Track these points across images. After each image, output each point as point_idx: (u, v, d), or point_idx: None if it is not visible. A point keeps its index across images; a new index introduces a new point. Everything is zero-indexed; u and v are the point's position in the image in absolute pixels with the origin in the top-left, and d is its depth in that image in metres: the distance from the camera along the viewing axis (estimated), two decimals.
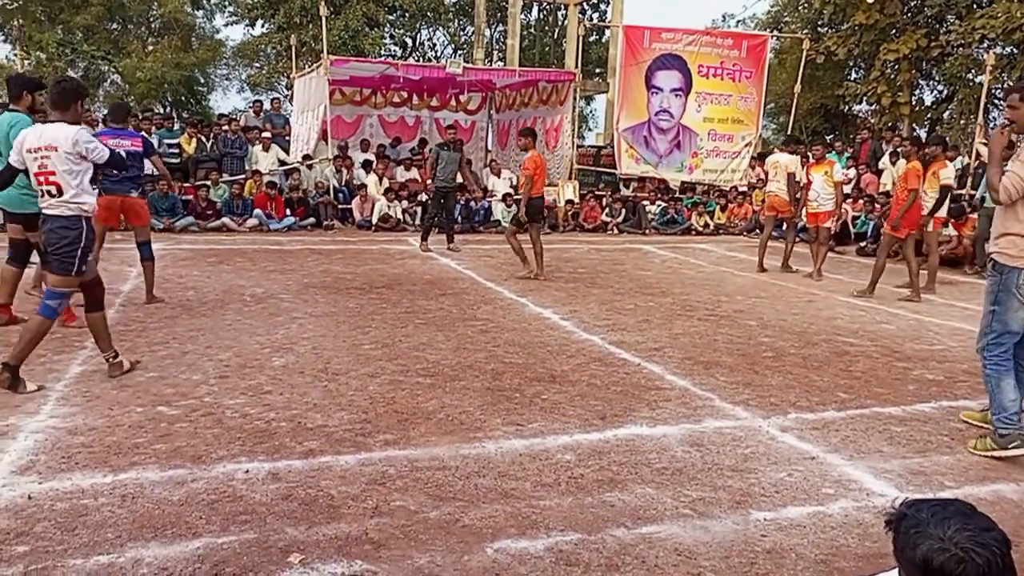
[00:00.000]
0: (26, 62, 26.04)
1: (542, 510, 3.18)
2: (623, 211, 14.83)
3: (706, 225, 14.90)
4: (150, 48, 29.27)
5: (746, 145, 16.09)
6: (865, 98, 20.97)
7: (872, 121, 21.85)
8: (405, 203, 13.72)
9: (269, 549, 2.80)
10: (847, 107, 23.55)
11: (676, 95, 15.64)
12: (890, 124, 20.08)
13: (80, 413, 4.08)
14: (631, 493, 3.38)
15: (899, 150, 14.60)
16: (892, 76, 19.73)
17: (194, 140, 13.68)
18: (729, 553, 2.91)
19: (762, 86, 16.15)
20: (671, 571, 2.77)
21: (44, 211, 4.54)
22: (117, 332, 5.77)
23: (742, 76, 15.87)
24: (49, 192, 4.46)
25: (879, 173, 14.44)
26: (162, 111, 26.79)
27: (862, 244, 12.93)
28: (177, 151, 13.43)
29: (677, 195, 15.69)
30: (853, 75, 22.69)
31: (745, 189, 15.73)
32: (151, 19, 30.62)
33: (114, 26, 29.76)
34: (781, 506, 3.32)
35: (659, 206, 15.05)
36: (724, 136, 15.97)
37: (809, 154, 10.82)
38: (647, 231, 14.40)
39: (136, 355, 5.14)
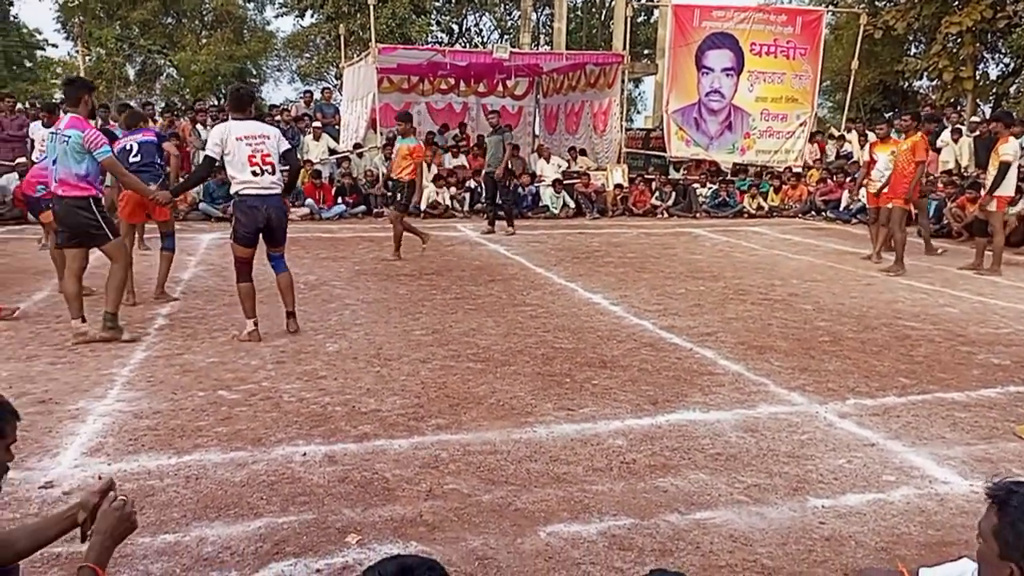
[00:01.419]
0: (87, 58, 26.90)
1: (594, 495, 3.18)
2: (673, 194, 14.63)
3: (759, 208, 14.60)
4: (203, 41, 29.88)
5: (801, 124, 15.68)
6: (926, 73, 20.22)
7: (933, 97, 21.07)
8: (453, 190, 13.78)
9: (327, 529, 2.87)
10: (907, 83, 22.74)
11: (727, 75, 15.31)
12: (952, 100, 19.34)
13: (145, 397, 4.22)
14: (684, 479, 3.35)
15: (960, 127, 14.07)
16: (954, 50, 18.97)
17: None
18: (786, 540, 2.87)
19: (817, 63, 15.70)
20: (726, 557, 2.74)
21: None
22: (179, 319, 5.97)
23: (796, 53, 15.44)
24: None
25: (939, 151, 13.93)
26: (216, 103, 27.35)
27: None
28: None
29: (729, 177, 15.40)
30: (913, 50, 21.90)
31: (800, 170, 15.35)
32: (204, 13, 31.24)
33: (169, 20, 30.44)
34: (840, 493, 3.26)
35: (710, 189, 14.80)
36: (778, 116, 15.58)
37: (870, 132, 10.49)
38: (698, 214, 14.19)
39: (197, 340, 5.29)
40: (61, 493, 3.10)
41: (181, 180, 7.89)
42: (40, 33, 30.86)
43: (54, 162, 5.18)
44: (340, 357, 5.04)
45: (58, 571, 2.56)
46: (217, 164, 5.36)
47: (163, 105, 17.34)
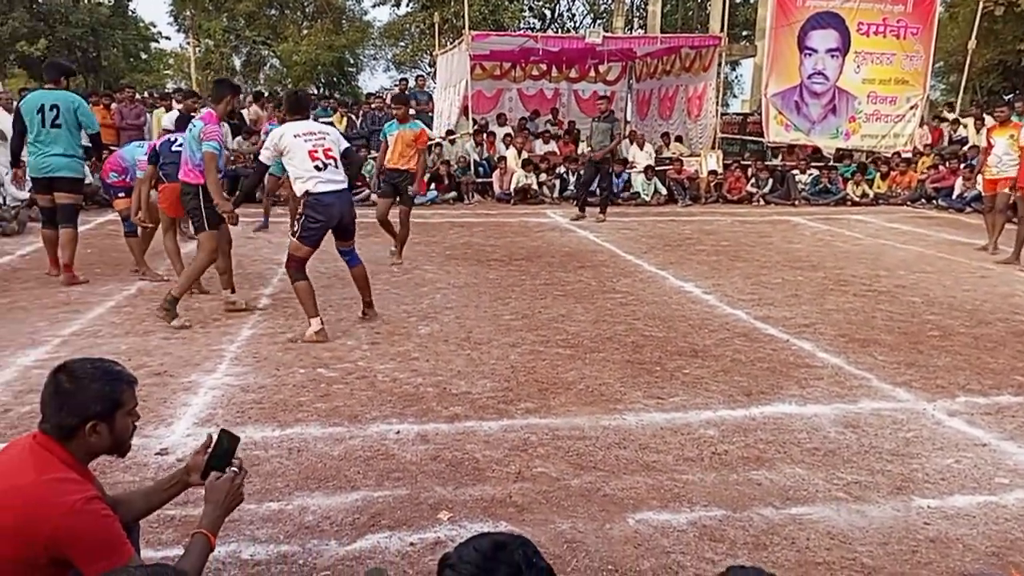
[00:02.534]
0: (196, 49, 28.27)
1: (685, 484, 3.14)
2: (770, 181, 14.15)
3: (864, 195, 13.94)
4: (304, 32, 30.90)
5: (911, 108, 14.82)
6: None
7: None
8: (544, 175, 13.78)
9: (420, 505, 2.95)
10: None
11: (832, 56, 14.63)
12: None
13: (251, 372, 4.44)
14: (779, 472, 3.27)
15: None
16: None
17: (345, 119, 14.36)
18: (887, 539, 2.76)
19: (930, 43, 14.78)
20: (823, 554, 2.66)
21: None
22: (280, 300, 6.23)
23: (907, 33, 14.59)
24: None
25: None
26: (316, 91, 28.24)
27: None
28: None
29: (831, 163, 14.76)
30: None
31: (909, 156, 14.54)
32: (305, 4, 32.28)
33: (272, 12, 31.61)
34: (947, 494, 3.10)
35: (810, 175, 14.23)
36: (886, 98, 14.78)
37: (988, 116, 9.82)
38: (796, 202, 13.67)
39: (297, 320, 5.51)
40: (175, 460, 3.31)
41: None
42: (155, 26, 32.65)
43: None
44: (432, 339, 5.15)
45: (172, 532, 2.74)
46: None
47: (267, 94, 18.03)
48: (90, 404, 1.86)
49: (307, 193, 5.05)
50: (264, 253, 8.24)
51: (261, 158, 5.29)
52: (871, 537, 2.77)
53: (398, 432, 3.62)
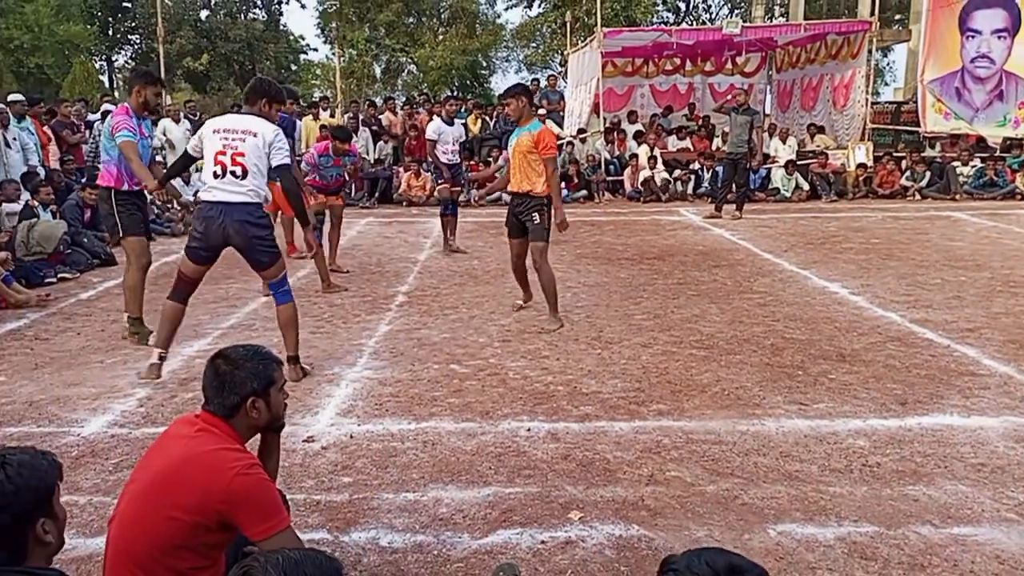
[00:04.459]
0: (341, 59, 29.77)
1: (831, 496, 2.95)
2: (927, 174, 13.11)
3: None
4: (440, 37, 31.82)
5: None
6: None
7: None
8: (677, 172, 13.46)
9: (551, 504, 2.94)
10: None
11: (999, 37, 13.34)
12: None
13: (388, 367, 4.60)
14: (939, 489, 3.00)
15: None
16: None
17: (479, 121, 14.65)
18: None
19: None
20: None
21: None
22: (416, 297, 6.42)
23: None
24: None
25: None
26: (450, 94, 29.01)
27: None
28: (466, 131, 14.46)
29: (998, 153, 13.48)
30: None
31: None
32: (441, 10, 33.23)
33: (410, 20, 32.77)
34: None
35: (973, 167, 13.05)
36: None
37: None
38: (957, 196, 12.59)
39: (432, 317, 5.65)
40: (320, 447, 3.48)
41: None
42: (303, 39, 34.75)
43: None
44: (562, 338, 5.14)
45: (318, 516, 2.88)
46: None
47: (403, 99, 18.74)
48: (248, 382, 2.07)
49: (196, 200, 4.39)
50: (400, 252, 8.54)
51: (187, 147, 4.58)
52: None
53: (529, 430, 3.63)
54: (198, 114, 14.39)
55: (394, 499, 2.99)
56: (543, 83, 17.10)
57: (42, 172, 9.24)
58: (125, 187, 4.91)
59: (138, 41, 30.34)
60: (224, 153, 4.15)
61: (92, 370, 4.62)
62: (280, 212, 7.36)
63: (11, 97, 9.67)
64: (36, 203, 7.88)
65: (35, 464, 1.59)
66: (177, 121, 12.42)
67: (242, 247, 4.22)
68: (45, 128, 10.12)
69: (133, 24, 29.93)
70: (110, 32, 29.70)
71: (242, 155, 4.14)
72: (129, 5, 29.06)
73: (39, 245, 7.19)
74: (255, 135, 4.18)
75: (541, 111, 14.80)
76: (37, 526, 1.55)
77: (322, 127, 13.25)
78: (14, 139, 8.91)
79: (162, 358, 4.37)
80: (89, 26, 25.84)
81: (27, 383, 4.35)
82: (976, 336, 5.00)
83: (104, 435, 3.66)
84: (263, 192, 4.27)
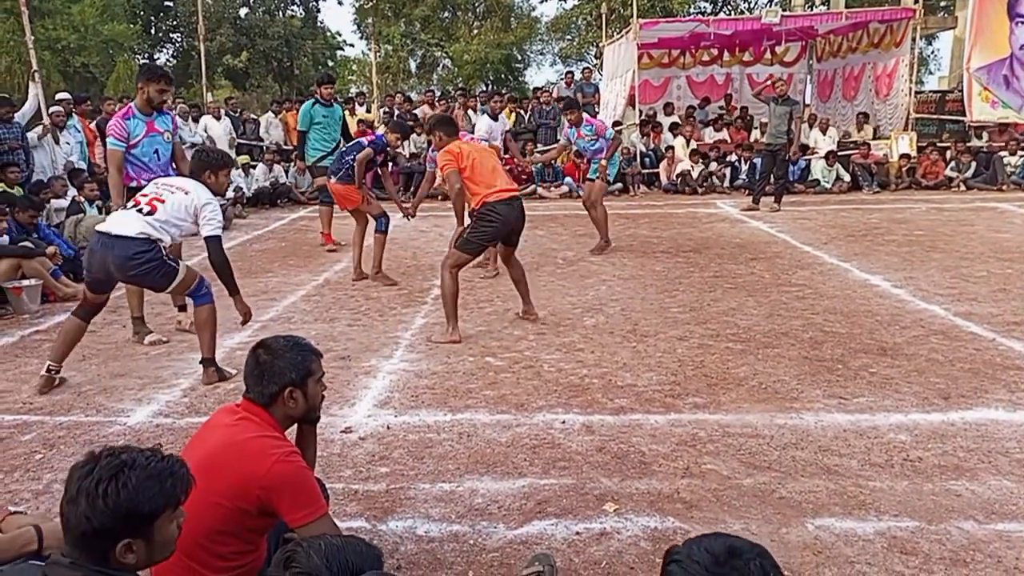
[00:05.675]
0: (377, 55, 29.98)
1: (871, 491, 2.91)
2: (973, 164, 12.77)
3: None
4: (475, 32, 31.82)
5: None
6: None
7: None
8: (714, 165, 13.31)
9: (586, 496, 2.95)
10: None
11: None
12: None
13: (424, 359, 4.65)
14: (983, 484, 2.94)
15: None
16: None
17: (513, 114, 14.64)
18: None
19: None
20: None
21: None
22: None
23: None
24: None
25: None
26: (485, 89, 29.02)
27: None
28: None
29: None
30: None
31: None
32: (476, 4, 33.22)
33: (445, 15, 32.82)
34: None
35: (1021, 157, 12.69)
36: None
37: None
38: (1004, 187, 12.25)
39: (466, 310, 5.68)
40: (358, 438, 3.53)
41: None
42: (340, 35, 34.97)
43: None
44: (597, 331, 5.13)
45: (356, 505, 2.93)
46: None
47: (439, 94, 18.79)
48: (286, 371, 2.13)
49: None
50: (436, 246, 8.59)
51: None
52: None
53: (564, 422, 3.64)
54: (239, 111, 14.63)
55: (430, 489, 3.03)
56: (578, 76, 17.00)
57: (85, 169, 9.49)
58: (134, 184, 5.00)
59: (179, 39, 30.89)
60: (146, 195, 4.15)
61: (137, 361, 4.75)
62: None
63: (58, 96, 9.92)
64: (82, 199, 8.08)
65: (143, 487, 1.50)
66: (218, 118, 12.65)
67: (131, 282, 4.28)
68: (91, 125, 10.38)
69: (174, 23, 30.49)
70: (152, 31, 30.28)
71: (161, 201, 4.08)
72: (171, 4, 29.61)
73: (86, 240, 7.38)
74: (186, 193, 4.10)
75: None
76: (119, 545, 1.49)
77: (359, 122, 13.40)
78: (67, 143, 9.17)
79: (50, 370, 4.21)
80: (132, 25, 26.35)
81: (75, 374, 4.49)
82: (1023, 330, 4.87)
83: (149, 424, 3.77)
84: (158, 236, 4.05)
